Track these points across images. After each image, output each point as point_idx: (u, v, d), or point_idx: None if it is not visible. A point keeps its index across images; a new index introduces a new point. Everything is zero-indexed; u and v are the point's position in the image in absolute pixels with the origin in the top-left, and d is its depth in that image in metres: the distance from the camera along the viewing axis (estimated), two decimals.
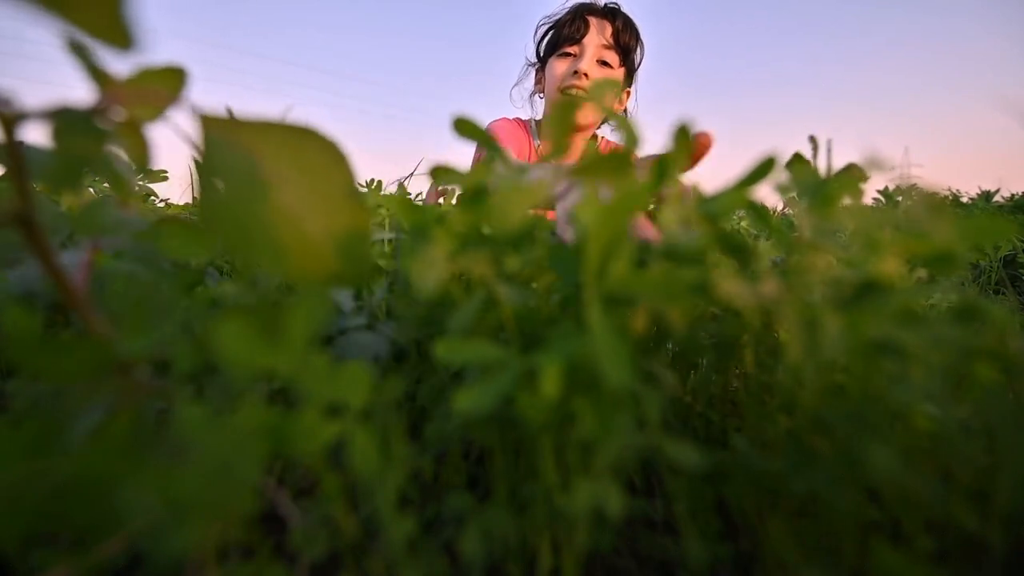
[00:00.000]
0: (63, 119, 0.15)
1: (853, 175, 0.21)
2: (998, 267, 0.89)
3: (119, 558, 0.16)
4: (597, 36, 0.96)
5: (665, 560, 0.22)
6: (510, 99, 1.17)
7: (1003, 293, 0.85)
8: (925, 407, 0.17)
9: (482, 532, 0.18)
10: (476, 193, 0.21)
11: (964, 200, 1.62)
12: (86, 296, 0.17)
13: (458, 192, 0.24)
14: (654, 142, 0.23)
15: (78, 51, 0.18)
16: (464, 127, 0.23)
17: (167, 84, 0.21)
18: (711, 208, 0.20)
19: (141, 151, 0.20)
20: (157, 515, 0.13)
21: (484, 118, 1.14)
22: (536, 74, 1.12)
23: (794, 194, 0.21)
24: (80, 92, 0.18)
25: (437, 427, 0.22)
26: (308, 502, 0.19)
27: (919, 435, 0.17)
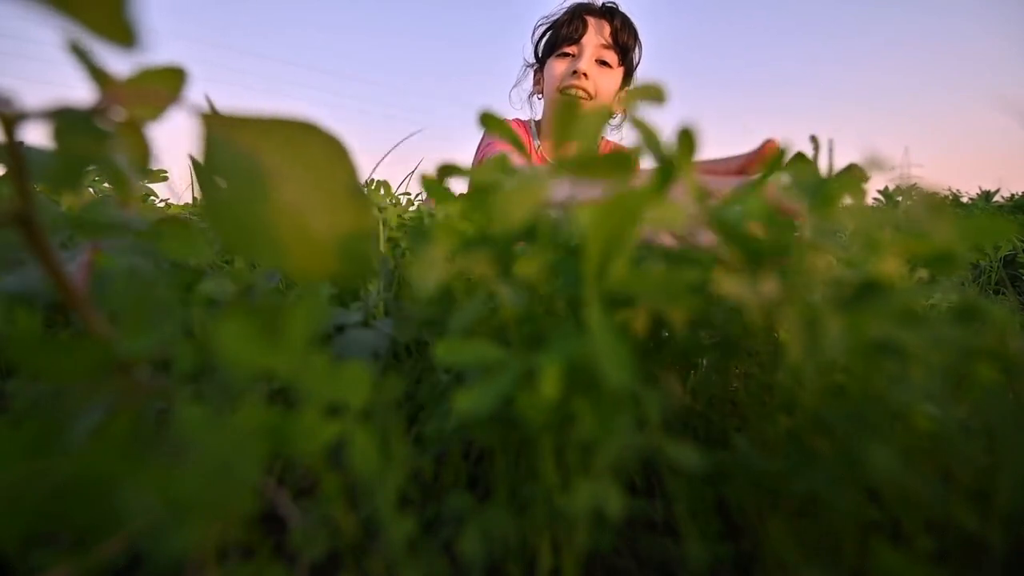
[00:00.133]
0: (64, 119, 0.15)
1: (854, 175, 0.21)
2: (998, 267, 0.89)
3: (119, 558, 0.16)
4: (595, 36, 0.96)
5: (665, 560, 0.22)
6: (509, 100, 1.17)
7: (1003, 293, 0.85)
8: (925, 407, 0.17)
9: (482, 532, 0.18)
10: (480, 192, 0.21)
11: (964, 200, 1.62)
12: (86, 296, 0.17)
13: (461, 192, 0.24)
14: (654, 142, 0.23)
15: (78, 51, 0.18)
16: (490, 121, 0.23)
17: (167, 84, 0.21)
18: (726, 216, 0.20)
19: (142, 151, 0.20)
20: (157, 515, 0.13)
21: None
22: (535, 75, 1.12)
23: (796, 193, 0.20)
24: (80, 92, 0.18)
25: (437, 427, 0.22)
26: (308, 502, 0.19)
27: (919, 435, 0.17)
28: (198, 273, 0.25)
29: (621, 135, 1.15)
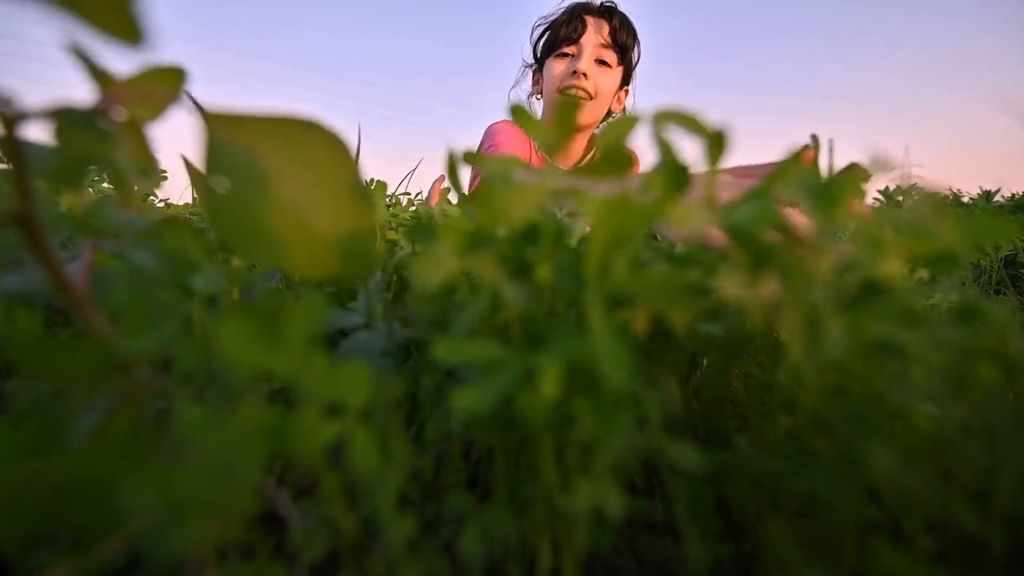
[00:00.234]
0: (65, 118, 0.15)
1: (856, 175, 0.21)
2: (999, 267, 0.89)
3: (119, 558, 0.16)
4: (594, 35, 0.96)
5: (665, 560, 0.22)
6: (508, 101, 1.17)
7: (1004, 293, 0.85)
8: (925, 407, 0.17)
9: (482, 532, 0.18)
10: (483, 192, 0.21)
11: (965, 200, 1.62)
12: (86, 296, 0.17)
13: (463, 191, 0.24)
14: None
15: (78, 51, 0.18)
16: (519, 114, 0.23)
17: (167, 84, 0.21)
18: (737, 220, 0.19)
19: (143, 151, 0.20)
20: (157, 515, 0.13)
21: (482, 119, 1.14)
22: (533, 75, 1.12)
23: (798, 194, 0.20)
24: (81, 92, 0.18)
25: (437, 427, 0.22)
26: (308, 502, 0.19)
27: (919, 435, 0.17)
28: (196, 268, 0.25)
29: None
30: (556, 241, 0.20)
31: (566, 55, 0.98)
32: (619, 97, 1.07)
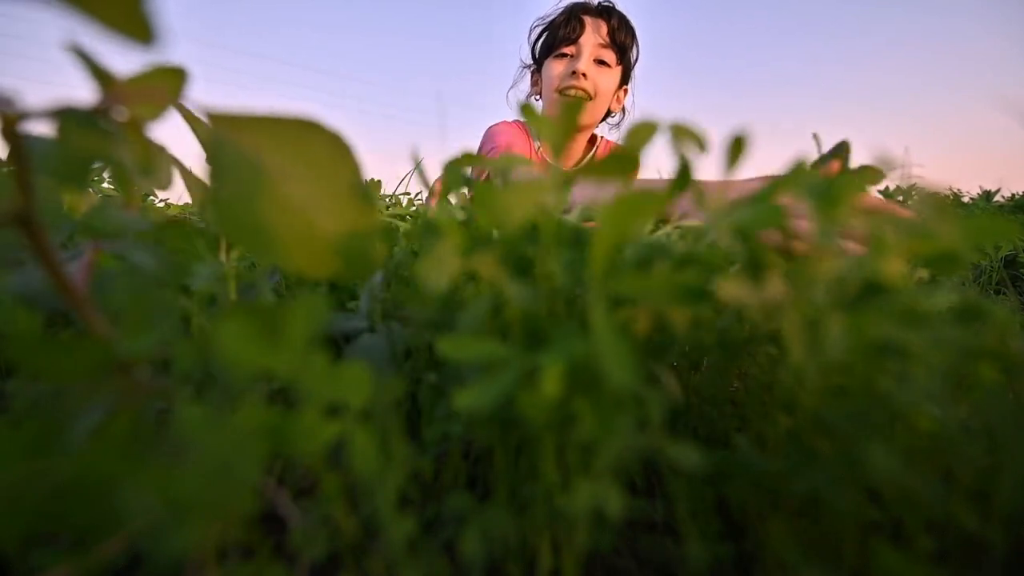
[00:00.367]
0: (67, 118, 0.15)
1: (863, 176, 0.21)
2: (999, 267, 0.89)
3: (119, 558, 0.16)
4: (593, 35, 0.96)
5: (665, 560, 0.22)
6: (506, 102, 1.17)
7: (1004, 293, 0.85)
8: (926, 407, 0.17)
9: (482, 532, 0.18)
10: (485, 192, 0.21)
11: (965, 200, 1.62)
12: (86, 296, 0.17)
13: (464, 191, 0.24)
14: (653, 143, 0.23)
15: (80, 51, 0.18)
16: (528, 113, 0.23)
17: (167, 84, 0.21)
18: (739, 220, 0.19)
19: (144, 151, 0.20)
20: (157, 515, 0.13)
21: (482, 119, 1.14)
22: (532, 76, 1.12)
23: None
24: (82, 92, 0.18)
25: (437, 427, 0.22)
26: (308, 502, 0.19)
27: (920, 435, 0.17)
28: (196, 268, 0.25)
29: (620, 134, 1.15)
30: (558, 241, 0.20)
31: (565, 55, 0.98)
32: (618, 96, 1.07)
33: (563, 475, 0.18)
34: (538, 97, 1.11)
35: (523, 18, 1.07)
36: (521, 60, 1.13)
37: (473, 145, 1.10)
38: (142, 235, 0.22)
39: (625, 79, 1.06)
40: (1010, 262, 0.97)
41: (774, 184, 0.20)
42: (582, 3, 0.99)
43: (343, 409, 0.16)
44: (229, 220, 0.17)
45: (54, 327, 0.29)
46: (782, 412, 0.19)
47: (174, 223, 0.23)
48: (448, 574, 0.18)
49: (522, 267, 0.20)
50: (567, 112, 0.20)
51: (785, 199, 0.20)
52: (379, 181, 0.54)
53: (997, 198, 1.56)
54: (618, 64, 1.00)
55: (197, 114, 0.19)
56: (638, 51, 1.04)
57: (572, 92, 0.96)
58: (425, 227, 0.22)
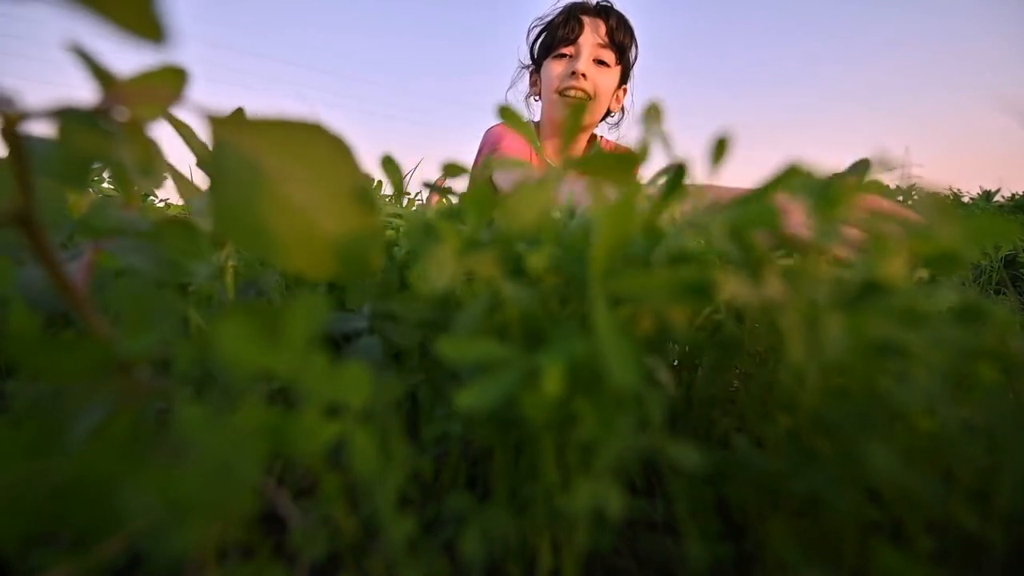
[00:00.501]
0: (68, 118, 0.15)
1: (861, 179, 0.21)
2: (999, 267, 0.89)
3: (119, 558, 0.16)
4: (592, 35, 0.96)
5: (665, 560, 0.22)
6: (506, 103, 1.17)
7: (1004, 293, 0.85)
8: (926, 407, 0.17)
9: (482, 532, 0.18)
10: (483, 192, 0.21)
11: (965, 200, 1.62)
12: (86, 296, 0.17)
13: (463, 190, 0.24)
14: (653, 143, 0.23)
15: (81, 51, 0.18)
16: (508, 116, 0.23)
17: (168, 84, 0.21)
18: (733, 218, 0.20)
19: (145, 151, 0.20)
20: (157, 515, 0.13)
21: (484, 120, 1.14)
22: (531, 76, 1.12)
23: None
24: (83, 92, 0.18)
25: (437, 427, 0.22)
26: (308, 502, 0.19)
27: (920, 435, 0.17)
28: (195, 268, 0.25)
29: (619, 134, 1.15)
30: (559, 241, 0.20)
31: (564, 56, 0.98)
32: (617, 96, 1.07)
33: (563, 475, 0.18)
34: (537, 98, 1.11)
35: (527, 18, 1.07)
36: (520, 60, 1.13)
37: (473, 145, 1.10)
38: (142, 235, 0.22)
39: (624, 78, 1.06)
40: (1010, 262, 0.97)
41: (769, 184, 0.20)
42: (580, 3, 0.99)
43: (343, 409, 0.16)
44: (229, 221, 0.17)
45: (54, 327, 0.29)
46: (782, 412, 0.19)
47: (173, 222, 0.23)
48: (448, 574, 0.18)
49: (519, 267, 0.20)
50: (572, 115, 0.20)
51: (782, 199, 0.20)
52: (381, 182, 0.54)
53: (997, 198, 1.56)
54: (617, 64, 1.00)
55: (189, 119, 0.19)
56: (637, 50, 1.04)
57: (572, 93, 0.96)
58: (423, 228, 0.22)
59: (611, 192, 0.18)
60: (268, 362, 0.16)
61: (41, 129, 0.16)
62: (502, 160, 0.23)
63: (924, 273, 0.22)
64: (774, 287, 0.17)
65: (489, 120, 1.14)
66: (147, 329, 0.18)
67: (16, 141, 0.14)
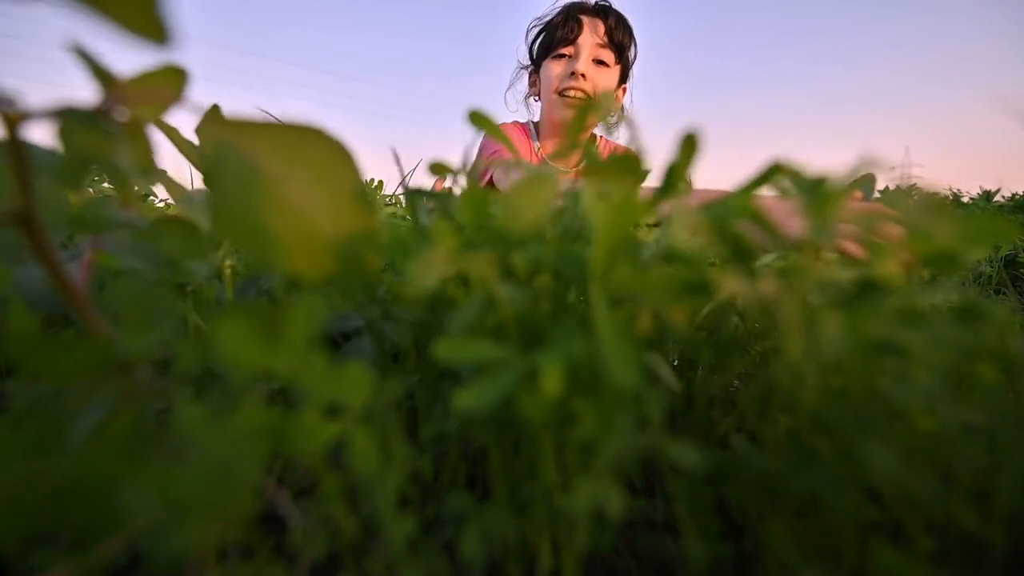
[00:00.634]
0: (69, 118, 0.15)
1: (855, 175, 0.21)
2: (999, 267, 0.90)
3: (119, 558, 0.16)
4: (591, 35, 0.96)
5: (665, 560, 0.22)
6: (504, 103, 1.16)
7: (1004, 293, 0.85)
8: (925, 407, 0.17)
9: (482, 532, 0.18)
10: (479, 192, 0.21)
11: (965, 200, 1.62)
12: (86, 296, 0.17)
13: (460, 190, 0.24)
14: (652, 143, 0.23)
15: (81, 51, 0.18)
16: (478, 120, 0.24)
17: (169, 84, 0.21)
18: (716, 214, 0.20)
19: (145, 151, 0.20)
20: (157, 515, 0.13)
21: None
22: (530, 76, 1.12)
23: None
24: (83, 93, 0.18)
25: (436, 427, 0.22)
26: (308, 502, 0.19)
27: (920, 435, 0.17)
28: (194, 268, 0.25)
29: (619, 134, 1.15)
30: (558, 240, 0.20)
31: (563, 56, 0.98)
32: (617, 96, 1.07)
33: (563, 475, 0.18)
34: (537, 98, 1.11)
35: (526, 18, 1.07)
36: (519, 61, 1.13)
37: (473, 145, 1.09)
38: (140, 234, 0.22)
39: (624, 78, 1.05)
40: (1010, 262, 0.97)
41: (752, 181, 0.20)
42: (579, 3, 0.99)
43: (343, 409, 0.16)
44: (228, 221, 0.17)
45: (54, 327, 0.29)
46: (782, 412, 0.19)
47: (172, 221, 0.23)
48: (448, 574, 0.18)
49: (518, 268, 0.20)
50: (578, 116, 0.20)
51: (776, 201, 0.20)
52: (381, 181, 0.54)
53: (997, 198, 1.56)
54: (616, 63, 1.00)
55: (186, 119, 0.19)
56: (636, 50, 1.03)
57: (571, 93, 0.96)
58: (417, 231, 0.23)
59: (611, 192, 0.19)
60: (268, 362, 0.16)
61: (42, 129, 0.16)
62: (502, 160, 0.23)
63: (924, 273, 0.22)
64: (771, 285, 0.17)
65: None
66: (147, 329, 0.18)
67: (17, 141, 0.14)
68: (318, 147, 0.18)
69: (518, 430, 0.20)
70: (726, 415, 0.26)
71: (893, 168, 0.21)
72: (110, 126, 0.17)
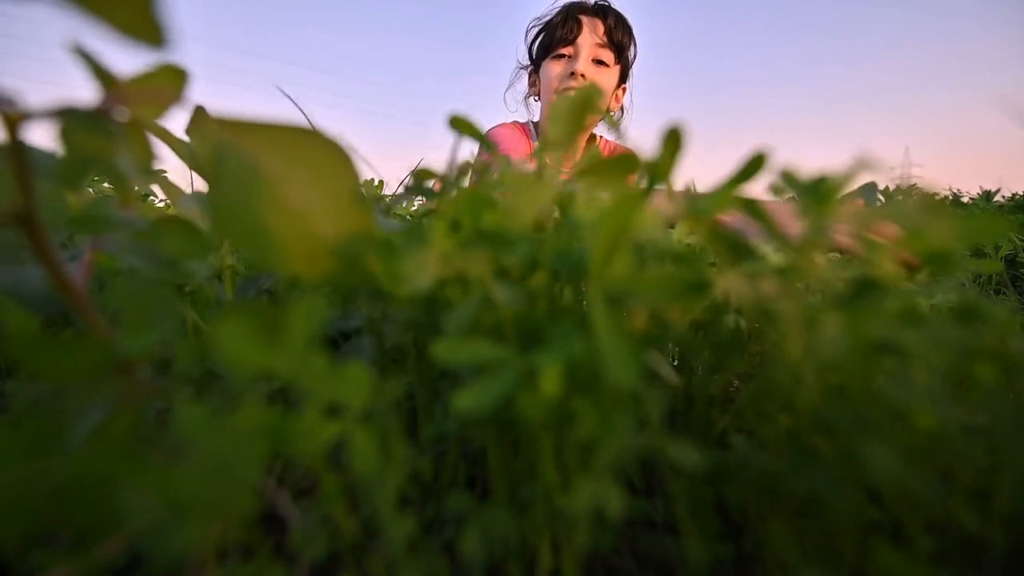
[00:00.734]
0: (70, 118, 0.16)
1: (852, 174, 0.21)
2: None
3: (119, 558, 0.16)
4: (590, 35, 0.96)
5: (665, 560, 0.22)
6: (504, 103, 1.16)
7: (1004, 293, 0.85)
8: (926, 407, 0.17)
9: (482, 532, 0.18)
10: (475, 192, 0.21)
11: (965, 200, 1.62)
12: (86, 296, 0.17)
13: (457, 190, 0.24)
14: (652, 143, 0.23)
15: (82, 51, 0.18)
16: (460, 125, 0.24)
17: (169, 84, 0.21)
18: (701, 206, 0.20)
19: (145, 151, 0.20)
20: (157, 515, 0.13)
21: (484, 121, 1.14)
22: (529, 76, 1.12)
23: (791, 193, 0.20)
24: (83, 93, 0.18)
25: (436, 427, 0.22)
26: (308, 502, 0.19)
27: (919, 435, 0.17)
28: (194, 268, 0.25)
29: (618, 134, 1.15)
30: (556, 240, 0.20)
31: (563, 56, 0.98)
32: (616, 95, 1.07)
33: (563, 475, 0.18)
34: (536, 98, 1.11)
35: (526, 18, 1.07)
36: (518, 61, 1.13)
37: (473, 145, 1.09)
38: (140, 233, 0.22)
39: (623, 78, 1.05)
40: (1010, 262, 0.97)
41: (736, 174, 0.20)
42: (579, 3, 0.99)
43: (343, 409, 0.16)
44: (228, 222, 0.17)
45: (54, 327, 0.29)
46: (781, 412, 0.19)
47: (172, 221, 0.23)
48: (448, 574, 0.18)
49: (516, 268, 0.20)
50: (571, 110, 0.20)
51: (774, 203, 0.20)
52: (382, 181, 0.54)
53: (997, 198, 1.56)
54: (616, 63, 1.00)
55: (183, 120, 0.19)
56: (636, 49, 1.03)
57: (571, 93, 0.96)
58: (412, 231, 0.23)
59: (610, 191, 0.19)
60: (268, 362, 0.16)
61: (43, 129, 0.16)
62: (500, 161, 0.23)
63: (924, 273, 0.22)
64: (770, 285, 0.17)
65: (489, 121, 1.14)
66: (147, 329, 0.18)
67: (17, 141, 0.14)
68: (317, 147, 0.18)
69: (518, 430, 0.20)
70: (726, 415, 0.26)
71: (893, 168, 0.21)
72: (110, 126, 0.17)
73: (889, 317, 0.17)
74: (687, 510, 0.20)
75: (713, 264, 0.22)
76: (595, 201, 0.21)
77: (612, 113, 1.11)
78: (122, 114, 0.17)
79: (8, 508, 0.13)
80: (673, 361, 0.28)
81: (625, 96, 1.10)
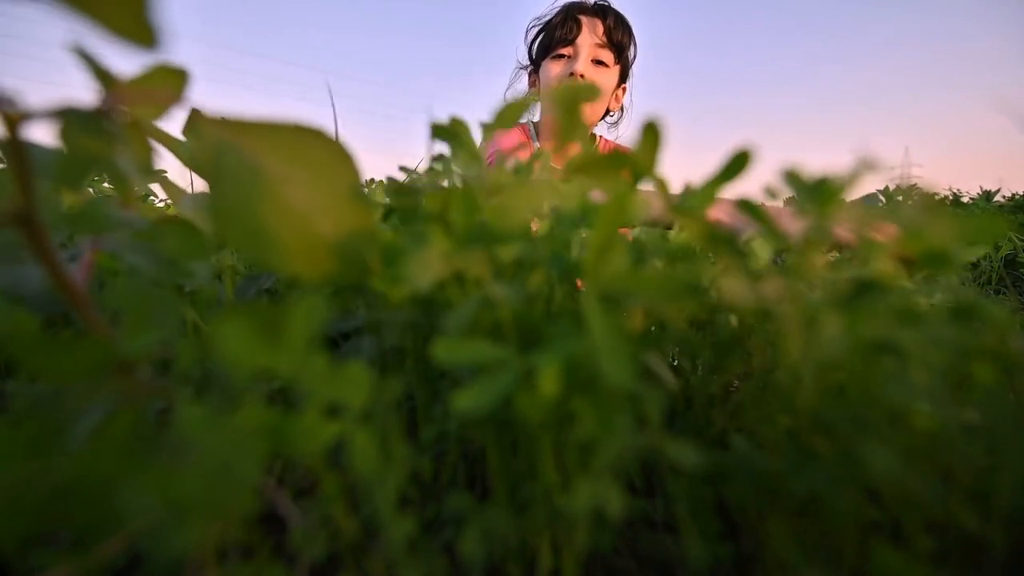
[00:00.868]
0: (70, 119, 0.16)
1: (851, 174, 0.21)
2: (999, 267, 0.89)
3: (119, 558, 0.16)
4: (590, 35, 0.96)
5: (665, 560, 0.22)
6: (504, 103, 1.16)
7: (1004, 293, 0.85)
8: (925, 407, 0.17)
9: (482, 532, 0.18)
10: (471, 192, 0.21)
11: (964, 200, 1.62)
12: (86, 296, 0.17)
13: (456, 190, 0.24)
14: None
15: (82, 52, 0.18)
16: (441, 132, 0.24)
17: (169, 84, 0.21)
18: (688, 203, 0.20)
19: (145, 151, 0.20)
20: (157, 515, 0.13)
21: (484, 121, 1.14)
22: (529, 76, 1.12)
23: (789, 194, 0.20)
24: (83, 93, 0.18)
25: (435, 427, 0.22)
26: (308, 502, 0.19)
27: (919, 435, 0.17)
28: (194, 268, 0.25)
29: (618, 133, 1.15)
30: (553, 240, 0.20)
31: (562, 56, 0.98)
32: (616, 95, 1.07)
33: (562, 475, 0.18)
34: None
35: (526, 18, 1.07)
36: (518, 61, 1.13)
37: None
38: (140, 233, 0.22)
39: (623, 78, 1.05)
40: (1010, 262, 0.97)
41: (720, 171, 0.20)
42: (578, 3, 0.99)
43: (343, 409, 0.16)
44: (229, 222, 0.17)
45: (54, 327, 0.29)
46: (782, 412, 0.19)
47: (172, 221, 0.23)
48: (448, 574, 0.18)
49: (515, 268, 0.20)
50: (569, 108, 0.20)
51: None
52: (383, 181, 0.54)
53: (997, 198, 1.56)
54: (616, 63, 1.00)
55: (180, 126, 0.19)
56: (635, 49, 1.03)
57: None
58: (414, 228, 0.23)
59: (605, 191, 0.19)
60: (268, 362, 0.16)
61: (42, 129, 0.16)
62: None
63: (923, 272, 0.22)
64: (770, 285, 0.17)
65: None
66: (147, 329, 0.18)
67: (18, 141, 0.14)
68: (317, 147, 0.18)
69: (517, 430, 0.20)
70: (725, 415, 0.26)
71: (893, 168, 0.21)
72: (110, 126, 0.17)
73: (888, 317, 0.17)
74: (687, 510, 0.20)
75: (713, 263, 0.22)
76: (588, 199, 0.21)
77: (612, 113, 1.11)
78: (122, 114, 0.17)
79: (8, 508, 0.13)
80: (673, 361, 0.28)
81: (625, 96, 1.10)
